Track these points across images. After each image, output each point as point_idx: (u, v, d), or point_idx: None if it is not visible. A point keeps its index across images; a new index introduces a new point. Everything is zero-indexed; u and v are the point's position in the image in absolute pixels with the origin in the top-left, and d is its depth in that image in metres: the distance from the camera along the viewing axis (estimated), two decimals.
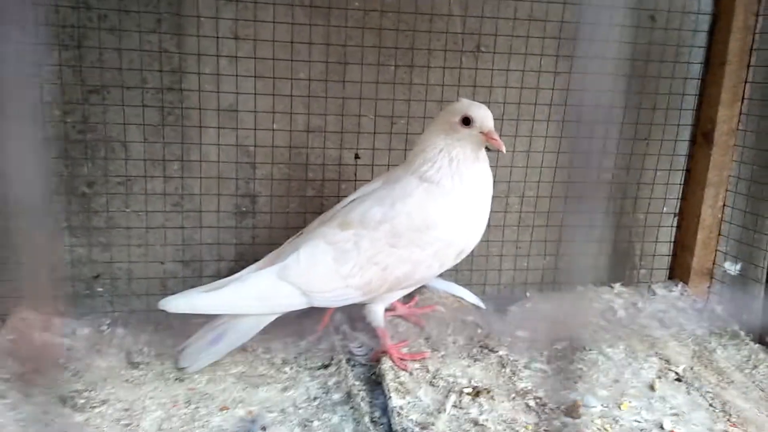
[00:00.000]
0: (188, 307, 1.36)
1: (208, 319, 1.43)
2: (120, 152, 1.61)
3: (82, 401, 1.22)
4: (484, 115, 1.35)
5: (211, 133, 1.64)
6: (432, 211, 1.35)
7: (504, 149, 1.35)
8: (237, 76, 1.61)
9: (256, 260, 1.49)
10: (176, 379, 1.36)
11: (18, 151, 0.63)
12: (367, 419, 1.20)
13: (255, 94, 1.64)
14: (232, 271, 1.49)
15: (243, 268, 1.46)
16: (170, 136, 1.63)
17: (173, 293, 1.42)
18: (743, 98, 1.81)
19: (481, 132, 1.35)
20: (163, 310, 1.37)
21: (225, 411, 1.25)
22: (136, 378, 1.35)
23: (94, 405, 1.22)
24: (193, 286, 1.48)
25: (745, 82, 1.79)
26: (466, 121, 1.34)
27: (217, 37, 1.58)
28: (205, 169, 1.66)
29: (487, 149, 1.42)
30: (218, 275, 1.67)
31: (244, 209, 1.72)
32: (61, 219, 1.61)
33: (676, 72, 1.86)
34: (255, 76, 1.63)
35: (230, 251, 1.73)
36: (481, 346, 1.53)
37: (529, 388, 1.39)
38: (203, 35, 1.58)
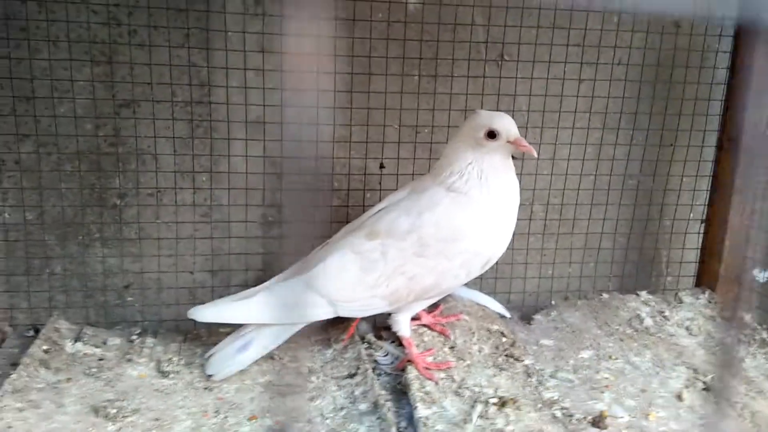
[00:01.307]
0: (216, 316, 1.40)
1: (236, 328, 1.45)
2: (150, 164, 1.65)
3: (114, 411, 1.24)
4: (508, 126, 1.35)
5: (238, 145, 1.68)
6: (459, 221, 1.36)
7: (535, 154, 1.35)
8: (264, 88, 1.64)
9: (283, 270, 1.52)
10: (205, 389, 1.38)
11: None
12: (393, 430, 1.21)
13: (282, 105, 1.66)
14: (259, 281, 1.52)
15: (270, 277, 1.49)
16: (199, 148, 1.66)
17: (202, 303, 1.46)
18: None
19: (508, 141, 1.35)
20: (192, 320, 1.41)
21: (253, 420, 1.27)
22: (167, 387, 1.38)
23: (126, 414, 1.25)
24: (221, 296, 1.51)
25: None
26: (492, 135, 1.35)
27: (245, 51, 1.61)
28: (233, 180, 1.70)
29: (513, 157, 1.43)
30: (246, 285, 1.70)
31: (270, 219, 1.75)
32: (93, 230, 1.66)
33: (701, 77, 1.85)
34: (281, 89, 1.65)
35: (257, 261, 1.76)
36: (506, 355, 1.53)
37: (556, 398, 1.38)
38: (231, 49, 1.61)
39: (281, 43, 1.62)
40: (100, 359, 1.46)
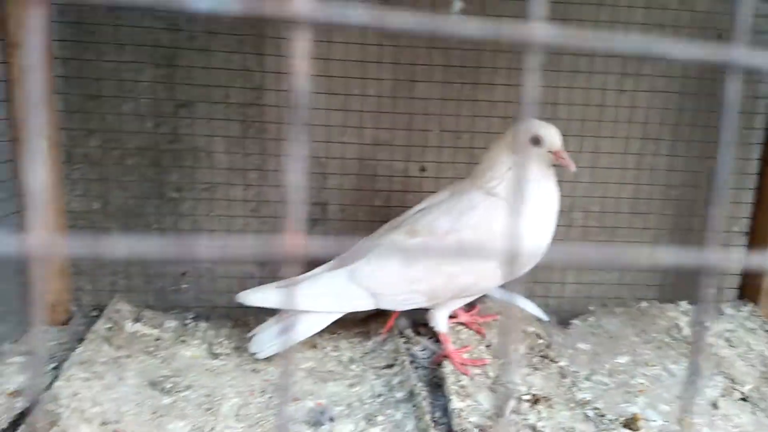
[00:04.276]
0: (263, 300, 1.47)
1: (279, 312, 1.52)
2: (205, 161, 1.75)
3: (170, 386, 1.33)
4: (552, 135, 1.39)
5: (287, 146, 1.75)
6: (497, 223, 1.41)
7: (573, 168, 1.38)
8: (311, 92, 1.72)
9: (326, 262, 1.59)
10: (252, 371, 1.46)
11: None
12: (428, 418, 1.26)
13: (327, 109, 1.74)
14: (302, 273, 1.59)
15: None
16: (250, 148, 1.75)
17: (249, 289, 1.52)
18: None
19: (549, 151, 1.39)
20: (241, 308, 1.48)
21: (296, 402, 1.33)
22: (217, 367, 1.46)
23: (180, 390, 1.33)
24: None
25: None
26: (536, 141, 1.39)
27: (294, 57, 1.70)
28: (281, 178, 1.78)
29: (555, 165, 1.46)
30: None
31: (315, 217, 1.82)
32: (151, 221, 1.76)
33: (745, 90, 1.84)
34: (327, 93, 1.73)
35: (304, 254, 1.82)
36: (541, 356, 1.56)
37: (589, 398, 1.41)
38: (282, 55, 1.70)
39: (329, 49, 1.71)
40: (157, 339, 1.56)
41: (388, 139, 1.79)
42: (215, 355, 1.51)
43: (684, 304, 1.88)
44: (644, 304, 1.89)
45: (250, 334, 1.52)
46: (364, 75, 1.74)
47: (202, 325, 1.66)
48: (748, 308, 1.87)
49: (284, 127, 1.75)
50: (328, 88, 1.73)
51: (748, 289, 1.94)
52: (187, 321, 1.68)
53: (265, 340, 1.48)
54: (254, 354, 1.48)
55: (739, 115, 1.81)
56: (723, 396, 1.46)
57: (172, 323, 1.64)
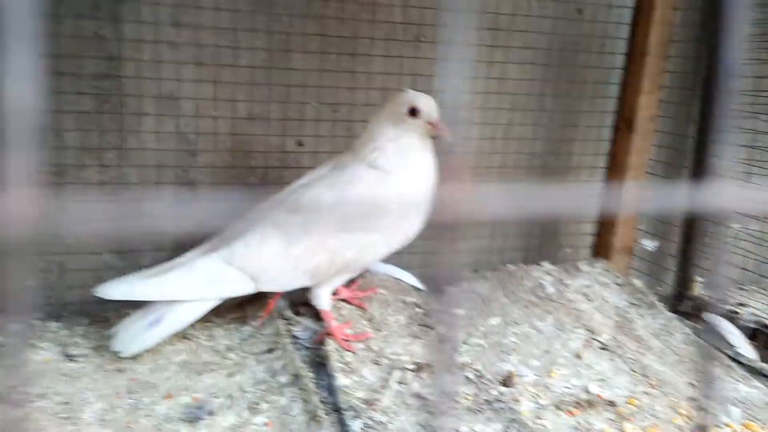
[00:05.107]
0: (128, 293, 1.34)
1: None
2: (52, 141, 1.56)
3: (19, 397, 1.19)
4: (430, 106, 1.39)
5: (149, 121, 1.63)
6: (381, 196, 1.40)
7: (450, 138, 1.40)
8: (177, 63, 1.60)
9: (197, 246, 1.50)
10: (117, 371, 1.34)
11: None
12: (315, 399, 1.24)
13: (196, 81, 1.63)
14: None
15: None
16: (107, 124, 1.60)
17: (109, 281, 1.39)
18: (662, 87, 1.94)
19: (428, 122, 1.40)
20: (98, 303, 1.34)
21: (170, 399, 1.25)
22: (74, 371, 1.32)
23: (32, 400, 1.19)
24: None
25: (665, 72, 1.93)
26: (413, 112, 1.39)
27: (156, 24, 1.56)
28: (144, 157, 1.64)
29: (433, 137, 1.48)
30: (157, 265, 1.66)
31: (184, 198, 1.71)
32: None
33: (601, 62, 1.98)
34: (196, 63, 1.62)
35: (170, 240, 1.72)
36: (421, 325, 1.60)
37: (468, 361, 1.47)
38: (142, 21, 1.55)
39: (196, 16, 1.59)
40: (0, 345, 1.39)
41: (263, 112, 1.72)
42: (71, 358, 1.37)
43: (547, 264, 2.02)
44: (511, 267, 2.00)
45: (111, 331, 1.39)
46: (235, 44, 1.64)
47: (53, 325, 1.50)
48: (601, 265, 2.04)
49: (146, 100, 1.61)
50: (197, 58, 1.61)
51: (601, 247, 2.11)
52: (34, 322, 1.50)
53: (131, 336, 1.36)
54: (118, 353, 1.36)
55: (595, 86, 1.95)
56: (585, 347, 1.59)
57: (15, 326, 1.47)
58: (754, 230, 1.91)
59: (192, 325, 1.44)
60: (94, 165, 1.61)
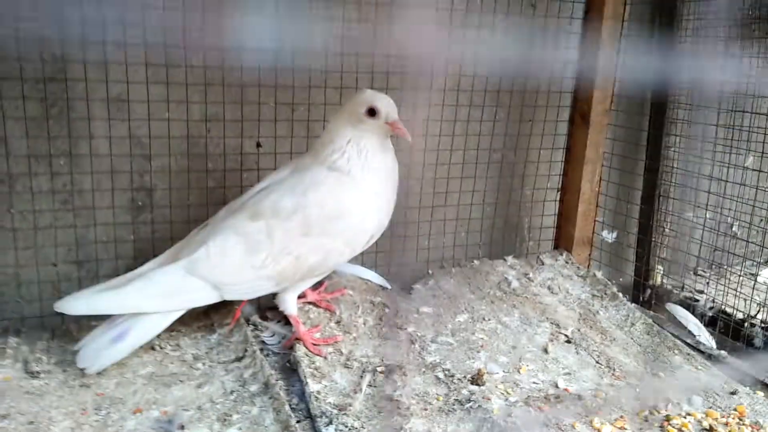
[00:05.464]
0: (88, 308, 1.32)
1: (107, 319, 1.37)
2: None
3: None
4: (388, 106, 1.39)
5: (100, 125, 1.56)
6: (343, 200, 1.38)
7: (410, 138, 1.40)
8: (126, 64, 1.54)
9: (156, 256, 1.45)
10: (82, 386, 1.29)
11: None
12: (287, 407, 1.22)
13: (147, 82, 1.57)
14: (130, 270, 1.44)
15: (142, 265, 1.42)
16: (55, 130, 1.52)
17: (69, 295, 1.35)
18: (615, 81, 1.98)
19: (386, 122, 1.39)
20: (59, 314, 1.31)
21: (139, 413, 1.21)
22: (38, 388, 1.27)
23: None
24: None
25: (616, 66, 1.96)
26: (372, 112, 1.38)
27: (104, 24, 1.49)
28: (96, 163, 1.58)
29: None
30: (116, 274, 1.60)
31: (140, 204, 1.65)
32: None
33: (557, 56, 2.00)
34: (146, 64, 1.55)
35: (128, 248, 1.66)
36: (390, 325, 1.59)
37: (438, 361, 1.47)
38: (87, 21, 1.48)
39: (143, 16, 1.52)
40: None
41: (218, 113, 1.67)
42: (34, 374, 1.31)
43: (510, 259, 2.04)
44: (476, 262, 2.01)
45: (76, 347, 1.34)
46: (186, 43, 1.58)
47: (12, 340, 1.44)
48: (563, 257, 2.08)
49: (95, 104, 1.54)
50: (146, 58, 1.55)
51: (562, 239, 2.15)
52: None
53: (95, 352, 1.32)
54: (84, 369, 1.31)
55: (550, 81, 1.97)
56: (551, 341, 1.61)
57: None
58: (709, 218, 1.97)
59: (158, 335, 1.40)
60: (44, 173, 1.53)
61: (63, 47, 1.48)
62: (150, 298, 1.32)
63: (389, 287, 1.83)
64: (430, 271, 1.98)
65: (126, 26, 1.51)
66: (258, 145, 1.73)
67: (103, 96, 1.54)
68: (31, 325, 1.53)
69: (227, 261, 1.34)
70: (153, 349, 1.43)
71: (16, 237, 1.54)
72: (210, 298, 1.36)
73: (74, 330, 1.48)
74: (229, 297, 1.38)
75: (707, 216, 1.97)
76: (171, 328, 1.43)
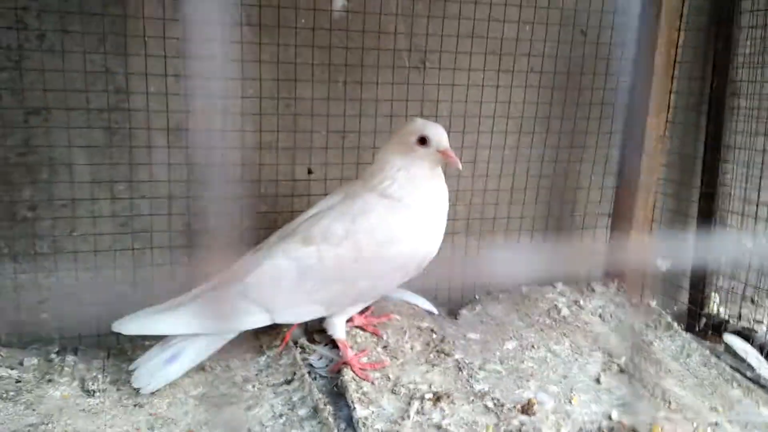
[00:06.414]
0: (144, 329, 1.35)
1: (161, 339, 1.41)
2: (64, 174, 1.56)
3: None
4: (439, 135, 1.39)
5: (159, 153, 1.63)
6: (393, 226, 1.39)
7: (460, 166, 1.40)
8: (186, 95, 1.60)
9: (209, 278, 1.49)
10: (135, 405, 1.33)
11: None
12: None
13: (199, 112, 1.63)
14: (185, 291, 1.48)
15: (196, 288, 1.46)
16: (116, 157, 1.60)
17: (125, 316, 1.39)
18: (669, 107, 1.94)
19: (437, 150, 1.40)
20: (114, 334, 1.35)
21: None
22: (93, 407, 1.31)
23: None
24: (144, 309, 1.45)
25: (670, 92, 1.93)
26: (423, 141, 1.39)
27: (165, 57, 1.57)
28: (154, 189, 1.64)
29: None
30: (171, 296, 1.64)
31: (195, 228, 1.71)
32: (1, 245, 1.55)
33: (607, 83, 1.99)
34: (201, 94, 1.62)
35: (182, 271, 1.71)
36: (437, 351, 1.58)
37: (486, 389, 1.45)
38: (150, 54, 1.56)
39: (201, 48, 1.59)
40: (18, 381, 1.37)
41: (272, 141, 1.72)
42: (90, 393, 1.35)
43: (560, 285, 2.00)
44: (525, 288, 1.98)
45: (131, 367, 1.39)
46: (243, 75, 1.64)
47: (70, 358, 1.48)
48: (615, 284, 2.02)
49: (154, 132, 1.61)
50: (198, 89, 1.61)
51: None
52: (52, 356, 1.49)
53: (150, 372, 1.36)
54: (139, 389, 1.35)
55: (602, 107, 1.95)
56: (603, 371, 1.57)
57: (33, 360, 1.45)
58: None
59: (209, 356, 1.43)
60: (105, 198, 1.60)
61: (127, 79, 1.56)
62: (203, 321, 1.35)
63: (436, 312, 1.82)
64: (477, 297, 1.96)
65: (186, 59, 1.58)
66: (309, 171, 1.77)
67: (162, 125, 1.61)
68: (88, 344, 1.59)
69: (279, 285, 1.37)
70: (203, 369, 1.46)
71: (77, 258, 1.61)
72: (262, 321, 1.38)
73: (129, 349, 1.52)
74: (280, 320, 1.40)
75: (765, 243, 1.90)
76: (221, 349, 1.46)
